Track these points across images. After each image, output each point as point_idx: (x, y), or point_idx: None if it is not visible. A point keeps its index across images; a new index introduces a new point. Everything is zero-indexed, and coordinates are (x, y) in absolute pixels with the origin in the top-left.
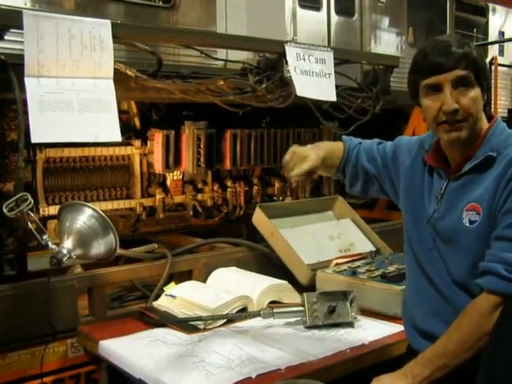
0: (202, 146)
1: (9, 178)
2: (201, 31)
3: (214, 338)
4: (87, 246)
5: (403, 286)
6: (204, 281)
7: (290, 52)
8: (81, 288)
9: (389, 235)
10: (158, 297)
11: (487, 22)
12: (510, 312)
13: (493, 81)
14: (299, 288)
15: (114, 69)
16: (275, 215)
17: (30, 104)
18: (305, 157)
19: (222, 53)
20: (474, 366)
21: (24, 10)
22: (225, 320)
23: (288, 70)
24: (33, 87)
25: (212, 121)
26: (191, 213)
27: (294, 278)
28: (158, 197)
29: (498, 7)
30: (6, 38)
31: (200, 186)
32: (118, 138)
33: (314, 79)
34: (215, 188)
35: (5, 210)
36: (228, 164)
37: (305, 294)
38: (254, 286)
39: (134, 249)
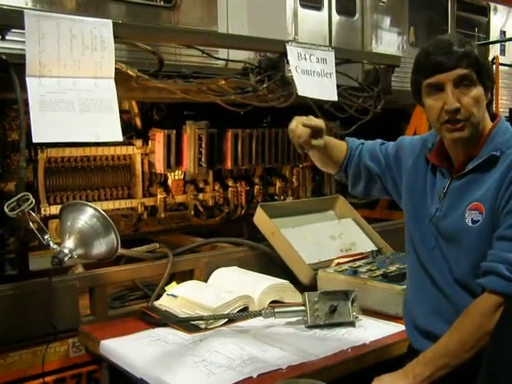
0: (203, 145)
1: (10, 177)
2: (202, 31)
3: (216, 338)
4: (88, 246)
5: (404, 286)
6: (205, 280)
7: (291, 52)
8: (82, 288)
9: (390, 235)
10: (159, 296)
11: (488, 21)
12: (511, 311)
13: None
14: (300, 288)
15: (116, 68)
16: (276, 215)
17: (32, 104)
18: (308, 117)
19: (223, 52)
20: (476, 366)
21: (25, 10)
22: (226, 320)
23: (289, 70)
24: (34, 87)
25: (213, 120)
26: (192, 212)
27: (295, 277)
28: (159, 196)
29: (500, 7)
30: (7, 37)
31: (201, 185)
32: (119, 137)
33: (315, 79)
34: (216, 188)
35: (6, 210)
36: (229, 163)
37: (306, 294)
38: (255, 285)
39: (136, 248)
